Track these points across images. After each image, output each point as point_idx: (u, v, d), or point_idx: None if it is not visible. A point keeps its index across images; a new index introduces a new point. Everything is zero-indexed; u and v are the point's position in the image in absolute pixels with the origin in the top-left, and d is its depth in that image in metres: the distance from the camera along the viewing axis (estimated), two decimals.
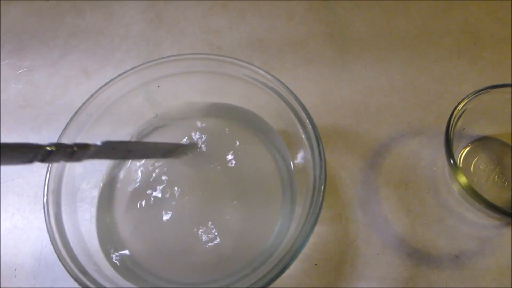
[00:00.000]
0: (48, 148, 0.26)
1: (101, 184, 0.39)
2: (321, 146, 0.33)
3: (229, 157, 0.39)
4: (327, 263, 0.39)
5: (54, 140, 0.35)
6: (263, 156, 0.40)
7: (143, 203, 0.38)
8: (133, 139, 0.41)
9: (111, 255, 0.35)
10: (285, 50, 0.50)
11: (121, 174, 0.40)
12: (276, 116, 0.38)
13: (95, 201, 0.39)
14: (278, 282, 0.37)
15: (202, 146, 0.40)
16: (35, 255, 0.41)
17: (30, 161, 0.25)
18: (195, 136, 0.40)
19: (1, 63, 0.52)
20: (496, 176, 0.41)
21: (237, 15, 0.53)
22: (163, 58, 0.38)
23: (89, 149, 0.28)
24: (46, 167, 0.34)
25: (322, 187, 0.31)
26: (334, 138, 0.44)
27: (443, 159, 0.43)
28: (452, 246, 0.39)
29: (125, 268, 0.35)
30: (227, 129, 0.41)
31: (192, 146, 0.40)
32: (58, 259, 0.39)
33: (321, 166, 0.32)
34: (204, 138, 0.40)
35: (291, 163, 0.38)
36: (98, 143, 0.29)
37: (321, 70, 0.48)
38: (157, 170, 0.39)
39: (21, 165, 0.26)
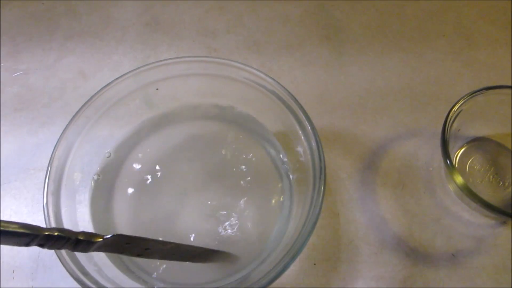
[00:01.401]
0: (48, 233, 0.23)
1: (93, 183, 0.39)
2: (320, 147, 0.33)
3: (227, 158, 0.39)
4: (325, 263, 0.39)
5: (53, 143, 0.35)
6: (261, 159, 0.40)
7: (141, 202, 0.38)
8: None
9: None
10: (282, 52, 0.51)
11: (118, 175, 0.40)
12: (274, 118, 0.38)
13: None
14: (277, 281, 0.38)
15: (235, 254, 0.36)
16: (33, 257, 0.41)
17: (26, 245, 0.23)
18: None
19: None
20: (491, 176, 0.42)
21: (234, 17, 0.54)
22: (162, 60, 0.38)
23: (97, 240, 0.25)
24: (46, 170, 0.34)
25: (322, 188, 0.31)
26: (331, 139, 0.44)
27: (439, 159, 0.43)
28: (449, 245, 0.39)
29: (125, 267, 0.35)
30: (225, 132, 0.41)
31: (219, 253, 0.35)
32: (57, 260, 0.40)
33: (320, 167, 0.32)
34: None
35: (290, 165, 0.39)
36: (108, 236, 0.26)
37: (318, 72, 0.49)
38: (157, 168, 0.39)
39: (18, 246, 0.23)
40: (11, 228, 0.21)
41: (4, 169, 0.45)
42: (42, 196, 0.33)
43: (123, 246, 0.27)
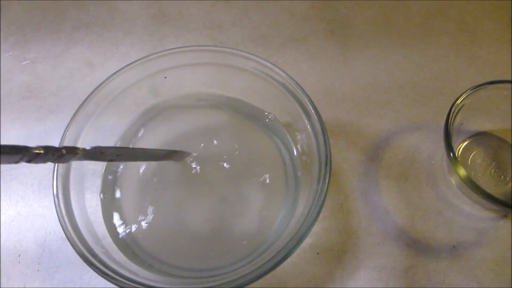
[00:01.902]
0: (36, 151, 0.26)
1: (102, 170, 0.40)
2: (326, 136, 0.34)
3: (233, 147, 0.40)
4: (328, 252, 0.39)
5: (60, 130, 0.36)
6: (267, 148, 0.40)
7: (148, 188, 0.39)
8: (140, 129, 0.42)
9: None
10: (287, 46, 0.51)
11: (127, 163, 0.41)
12: (281, 108, 0.39)
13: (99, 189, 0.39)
14: (280, 270, 0.38)
15: (195, 154, 0.40)
16: (39, 242, 0.41)
17: (16, 162, 0.25)
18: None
19: (5, 55, 0.53)
20: (493, 170, 0.43)
21: (240, 11, 0.54)
22: (170, 49, 0.39)
23: (77, 152, 0.29)
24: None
25: (328, 175, 0.32)
26: (336, 132, 0.45)
27: (442, 153, 0.44)
28: (450, 237, 0.40)
29: (131, 252, 0.35)
30: (231, 121, 0.42)
31: (184, 153, 0.39)
32: (63, 245, 0.40)
33: (326, 155, 0.33)
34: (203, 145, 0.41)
35: (295, 154, 0.39)
36: (88, 147, 0.29)
37: (323, 66, 0.49)
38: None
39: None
40: (4, 149, 0.23)
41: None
42: (51, 180, 0.34)
43: (98, 155, 0.31)
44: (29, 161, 0.26)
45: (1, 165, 0.26)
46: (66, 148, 0.28)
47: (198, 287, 0.31)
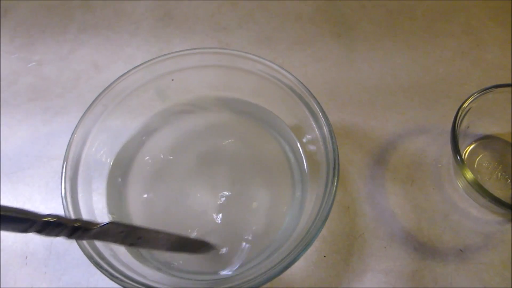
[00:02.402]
0: (46, 220, 0.23)
1: (108, 172, 0.40)
2: (334, 138, 0.34)
3: (239, 149, 0.40)
4: (335, 255, 0.39)
5: (66, 132, 0.36)
6: (274, 151, 0.40)
7: (156, 192, 0.39)
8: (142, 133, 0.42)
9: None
10: (293, 48, 0.51)
11: (132, 164, 0.41)
12: (288, 111, 0.39)
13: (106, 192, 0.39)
14: (286, 272, 0.38)
15: (223, 250, 0.36)
16: (46, 244, 0.41)
17: (24, 231, 0.22)
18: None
19: (11, 57, 0.53)
20: (499, 174, 0.43)
21: (246, 13, 0.54)
22: (177, 51, 0.39)
23: (93, 228, 0.26)
24: (64, 156, 0.35)
25: (336, 178, 0.32)
26: (342, 135, 0.45)
27: (448, 156, 0.44)
28: (457, 241, 0.40)
29: (139, 254, 0.35)
30: (238, 123, 0.42)
31: (209, 245, 0.36)
32: (70, 248, 0.40)
33: (334, 159, 0.33)
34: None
35: (303, 157, 0.39)
36: (104, 223, 0.26)
37: (328, 68, 0.49)
38: (169, 157, 0.40)
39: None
40: (9, 213, 0.21)
41: (18, 157, 0.46)
42: (60, 182, 0.34)
43: (117, 234, 0.27)
44: (38, 232, 0.23)
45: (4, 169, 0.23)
46: (80, 221, 0.25)
47: None
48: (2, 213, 0.20)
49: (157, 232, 0.31)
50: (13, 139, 0.47)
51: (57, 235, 0.24)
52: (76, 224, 0.25)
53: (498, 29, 0.52)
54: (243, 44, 0.52)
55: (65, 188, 0.33)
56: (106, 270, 0.30)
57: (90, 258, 0.31)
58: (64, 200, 0.33)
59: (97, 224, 0.26)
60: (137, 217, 0.38)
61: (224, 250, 0.36)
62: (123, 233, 0.28)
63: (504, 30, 0.52)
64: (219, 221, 0.37)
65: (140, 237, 0.30)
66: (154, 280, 0.32)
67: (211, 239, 0.36)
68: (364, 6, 0.54)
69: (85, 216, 0.34)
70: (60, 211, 0.33)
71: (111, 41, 0.53)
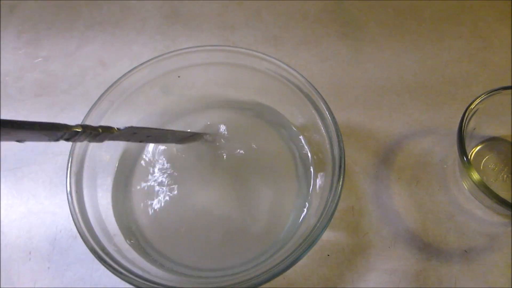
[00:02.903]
0: (75, 129, 0.27)
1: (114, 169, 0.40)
2: (340, 138, 0.33)
3: (245, 147, 0.40)
4: (339, 254, 0.39)
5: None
6: (279, 148, 0.40)
7: (159, 189, 0.39)
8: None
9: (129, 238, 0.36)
10: (299, 48, 0.51)
11: (136, 162, 0.41)
12: (294, 109, 0.39)
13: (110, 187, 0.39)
14: (290, 270, 0.38)
15: (217, 137, 0.41)
16: (49, 239, 0.41)
17: (57, 139, 0.27)
18: (213, 127, 0.41)
19: (18, 52, 0.53)
20: (505, 176, 0.42)
21: (253, 12, 0.54)
22: (184, 48, 0.39)
23: (112, 132, 0.30)
24: (69, 152, 0.35)
25: (341, 177, 0.32)
26: (347, 134, 0.45)
27: (454, 157, 0.44)
28: (462, 242, 0.40)
29: (142, 250, 0.35)
30: (244, 122, 0.42)
31: (206, 135, 0.41)
32: (73, 243, 0.40)
33: (340, 158, 0.33)
34: (221, 129, 0.41)
35: (309, 156, 0.39)
36: (121, 127, 0.30)
37: (335, 68, 0.49)
38: (175, 155, 0.40)
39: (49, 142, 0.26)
40: (46, 127, 0.25)
41: (22, 153, 0.46)
42: (65, 177, 0.34)
43: (131, 135, 0.32)
44: (67, 139, 0.27)
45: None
46: (102, 127, 0.29)
47: (209, 287, 0.31)
48: (37, 128, 0.24)
49: (160, 130, 0.37)
50: None
51: (83, 140, 0.28)
52: (100, 130, 0.29)
53: (506, 31, 0.52)
54: (249, 42, 0.52)
55: (70, 183, 0.33)
56: (110, 265, 0.30)
57: (94, 252, 0.31)
58: (69, 195, 0.33)
59: (117, 128, 0.30)
60: (142, 212, 0.38)
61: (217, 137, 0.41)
62: (135, 134, 0.32)
63: (511, 32, 0.52)
64: (224, 217, 0.37)
65: (148, 135, 0.35)
66: (156, 276, 0.32)
67: (214, 235, 0.36)
68: (372, 7, 0.54)
69: (90, 211, 0.34)
70: (65, 208, 0.33)
71: (118, 38, 0.53)
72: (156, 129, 0.36)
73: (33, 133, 0.24)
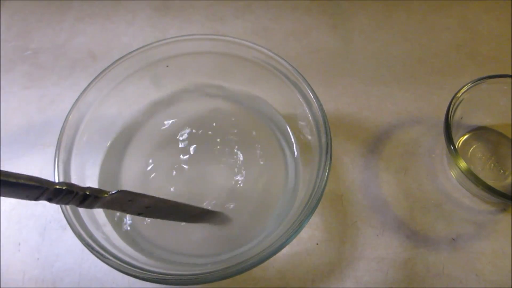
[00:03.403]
0: (58, 187, 0.24)
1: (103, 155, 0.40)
2: (327, 124, 0.34)
3: (233, 136, 0.40)
4: (328, 243, 0.39)
5: (61, 120, 0.36)
6: (266, 138, 0.41)
7: (148, 179, 0.39)
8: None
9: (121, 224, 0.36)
10: (289, 39, 0.51)
11: (126, 151, 0.41)
12: (282, 98, 0.39)
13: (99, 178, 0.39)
14: (279, 260, 0.38)
15: (229, 215, 0.37)
16: (39, 230, 0.41)
17: (36, 198, 0.23)
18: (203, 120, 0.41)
19: (8, 45, 0.53)
20: (492, 165, 0.43)
21: (243, 4, 0.54)
22: (172, 37, 0.39)
23: (103, 196, 0.26)
24: (55, 143, 0.35)
25: (328, 165, 0.32)
26: (336, 124, 0.45)
27: (441, 147, 0.44)
28: (449, 230, 0.40)
29: (131, 239, 0.36)
30: (232, 111, 0.42)
31: (216, 213, 0.37)
32: (63, 233, 0.40)
33: (327, 144, 0.33)
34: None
35: (295, 143, 0.39)
36: (114, 192, 0.27)
37: (324, 59, 0.50)
38: (165, 146, 0.40)
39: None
40: (22, 180, 0.22)
41: (13, 145, 0.46)
42: (53, 166, 0.34)
43: (126, 203, 0.28)
44: (49, 200, 0.24)
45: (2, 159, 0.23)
46: (90, 189, 0.26)
47: (197, 273, 0.31)
48: (12, 180, 0.21)
49: (165, 202, 0.32)
50: (9, 126, 0.47)
51: (68, 202, 0.25)
52: (87, 192, 0.25)
53: (494, 22, 0.53)
54: (239, 34, 0.52)
55: (58, 171, 0.33)
56: (97, 252, 0.30)
57: (82, 240, 0.31)
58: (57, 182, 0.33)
59: (107, 192, 0.26)
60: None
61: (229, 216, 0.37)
62: (131, 201, 0.28)
63: (499, 24, 0.53)
64: (210, 207, 0.37)
65: (148, 206, 0.30)
66: (145, 263, 0.32)
67: (204, 223, 0.36)
68: None
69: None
70: None
71: (108, 30, 0.53)
72: (157, 198, 0.31)
73: (8, 188, 0.21)
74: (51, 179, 0.28)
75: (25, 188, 0.22)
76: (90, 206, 0.26)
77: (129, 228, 0.36)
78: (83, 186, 0.25)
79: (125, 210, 0.29)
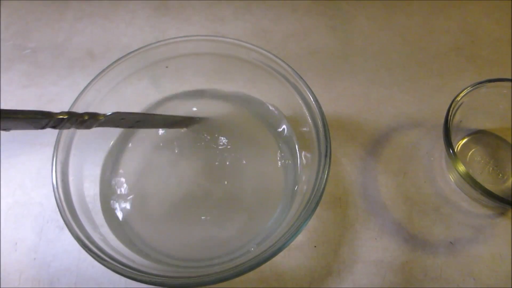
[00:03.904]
0: (61, 116, 0.27)
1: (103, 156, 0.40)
2: (326, 127, 0.34)
3: (231, 138, 0.40)
4: (326, 246, 0.39)
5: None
6: (265, 140, 0.40)
7: (146, 179, 0.39)
8: None
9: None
10: (288, 40, 0.51)
11: (125, 150, 0.41)
12: (282, 100, 0.39)
13: (98, 179, 0.39)
14: (277, 263, 0.38)
15: (206, 121, 0.41)
16: (36, 230, 0.41)
17: (43, 127, 0.27)
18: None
19: (6, 44, 0.53)
20: (491, 168, 0.43)
21: (243, 5, 0.54)
22: (172, 38, 0.39)
23: (99, 118, 0.30)
24: (54, 143, 0.34)
25: (327, 167, 0.32)
26: (335, 127, 0.45)
27: (440, 150, 0.44)
28: (447, 233, 0.40)
29: (129, 240, 0.35)
30: (231, 112, 0.42)
31: (196, 119, 0.41)
32: (60, 234, 0.40)
33: (326, 147, 0.33)
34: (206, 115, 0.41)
35: (296, 146, 0.39)
36: (108, 113, 0.30)
37: (323, 61, 0.50)
38: (162, 146, 0.40)
39: (34, 130, 0.28)
40: (30, 115, 0.26)
41: (10, 143, 0.45)
42: (51, 166, 0.33)
43: (119, 121, 0.32)
44: (54, 127, 0.27)
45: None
46: (88, 114, 0.29)
47: (194, 276, 0.31)
48: (21, 116, 0.25)
49: (152, 115, 0.37)
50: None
51: (70, 127, 0.29)
52: (85, 117, 0.29)
53: (494, 26, 0.52)
54: (239, 35, 0.52)
55: (56, 172, 0.33)
56: (94, 253, 0.30)
57: (79, 240, 0.31)
58: (54, 183, 0.33)
59: (103, 115, 0.30)
60: (128, 202, 0.38)
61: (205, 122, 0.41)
62: (124, 119, 0.32)
63: (499, 28, 0.53)
64: (211, 207, 0.37)
65: (138, 120, 0.35)
66: (142, 264, 0.32)
67: (200, 224, 0.36)
68: (361, 1, 0.54)
69: (76, 200, 0.34)
70: (52, 199, 0.33)
71: (107, 30, 0.53)
72: (144, 114, 0.36)
73: (17, 121, 0.25)
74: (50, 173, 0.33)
75: (33, 121, 0.26)
76: (89, 126, 0.30)
77: (123, 224, 0.36)
78: (81, 112, 0.29)
79: (119, 125, 0.33)
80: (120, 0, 0.55)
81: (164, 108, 0.42)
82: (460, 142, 0.44)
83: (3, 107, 0.47)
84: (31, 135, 0.45)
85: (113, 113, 0.31)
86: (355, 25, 0.52)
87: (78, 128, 0.30)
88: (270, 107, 0.41)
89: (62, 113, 0.28)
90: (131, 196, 0.38)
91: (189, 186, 0.39)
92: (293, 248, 0.39)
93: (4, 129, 0.26)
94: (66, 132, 0.35)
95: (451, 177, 0.42)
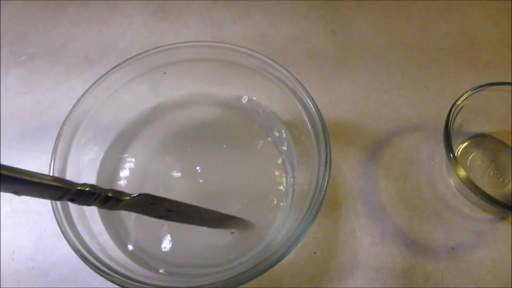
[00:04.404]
0: (80, 188, 0.24)
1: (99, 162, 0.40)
2: (326, 134, 0.33)
3: (230, 145, 0.40)
4: (326, 252, 0.39)
5: (57, 127, 0.35)
6: (264, 146, 0.40)
7: (144, 188, 0.38)
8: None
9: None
10: (287, 44, 0.51)
11: (122, 159, 0.40)
12: (281, 106, 0.39)
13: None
14: (277, 269, 0.38)
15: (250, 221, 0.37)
16: (33, 239, 0.41)
17: (59, 198, 0.24)
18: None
19: (3, 50, 0.52)
20: (492, 172, 0.42)
21: (241, 9, 0.54)
22: (170, 44, 0.38)
23: (124, 198, 0.26)
24: (51, 151, 0.34)
25: (327, 174, 0.32)
26: (335, 131, 0.45)
27: (441, 154, 0.44)
28: (448, 239, 0.40)
29: (127, 249, 0.35)
30: (230, 118, 0.42)
31: (245, 222, 0.36)
32: (58, 242, 0.40)
33: (326, 154, 0.33)
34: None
35: (294, 153, 0.39)
36: (135, 194, 0.27)
37: (323, 65, 0.49)
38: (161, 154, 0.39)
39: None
40: (46, 181, 0.22)
41: (7, 151, 0.45)
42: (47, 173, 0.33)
43: (148, 206, 0.28)
44: (72, 200, 0.24)
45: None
46: (112, 191, 0.26)
47: (194, 286, 0.31)
48: (36, 180, 0.21)
49: (187, 206, 0.31)
50: (3, 132, 0.46)
51: (90, 204, 0.25)
52: (109, 194, 0.25)
53: (493, 28, 0.52)
54: (237, 39, 0.52)
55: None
56: (93, 264, 0.30)
57: (77, 251, 0.30)
58: None
59: (129, 194, 0.26)
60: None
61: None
62: (153, 205, 0.28)
63: (499, 30, 0.52)
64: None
65: (170, 209, 0.30)
66: (141, 274, 0.31)
67: (199, 232, 0.36)
68: (359, 4, 0.54)
69: (73, 210, 0.33)
70: (49, 207, 0.32)
71: (104, 35, 0.53)
72: (178, 202, 0.30)
73: (32, 188, 0.21)
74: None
75: (49, 188, 0.22)
76: (112, 207, 0.26)
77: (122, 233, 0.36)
78: (105, 188, 0.25)
79: (147, 213, 0.29)
80: (118, 5, 0.55)
81: (160, 113, 0.42)
82: (460, 146, 0.44)
83: (1, 114, 0.47)
84: (28, 142, 0.45)
85: (141, 195, 0.27)
86: (354, 28, 0.52)
87: (100, 207, 0.26)
88: (269, 113, 0.41)
89: (83, 184, 0.24)
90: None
91: (188, 192, 0.38)
92: (293, 255, 0.39)
93: (15, 193, 0.22)
94: (63, 140, 0.34)
95: (452, 182, 0.42)
